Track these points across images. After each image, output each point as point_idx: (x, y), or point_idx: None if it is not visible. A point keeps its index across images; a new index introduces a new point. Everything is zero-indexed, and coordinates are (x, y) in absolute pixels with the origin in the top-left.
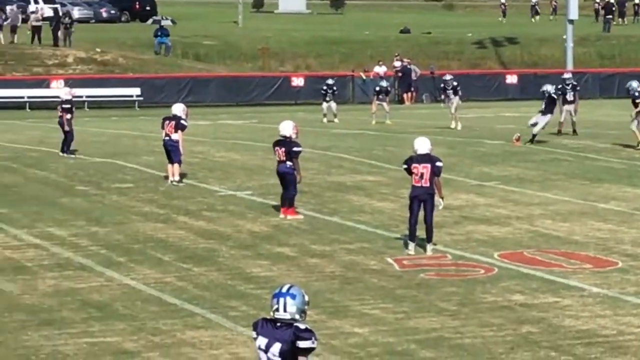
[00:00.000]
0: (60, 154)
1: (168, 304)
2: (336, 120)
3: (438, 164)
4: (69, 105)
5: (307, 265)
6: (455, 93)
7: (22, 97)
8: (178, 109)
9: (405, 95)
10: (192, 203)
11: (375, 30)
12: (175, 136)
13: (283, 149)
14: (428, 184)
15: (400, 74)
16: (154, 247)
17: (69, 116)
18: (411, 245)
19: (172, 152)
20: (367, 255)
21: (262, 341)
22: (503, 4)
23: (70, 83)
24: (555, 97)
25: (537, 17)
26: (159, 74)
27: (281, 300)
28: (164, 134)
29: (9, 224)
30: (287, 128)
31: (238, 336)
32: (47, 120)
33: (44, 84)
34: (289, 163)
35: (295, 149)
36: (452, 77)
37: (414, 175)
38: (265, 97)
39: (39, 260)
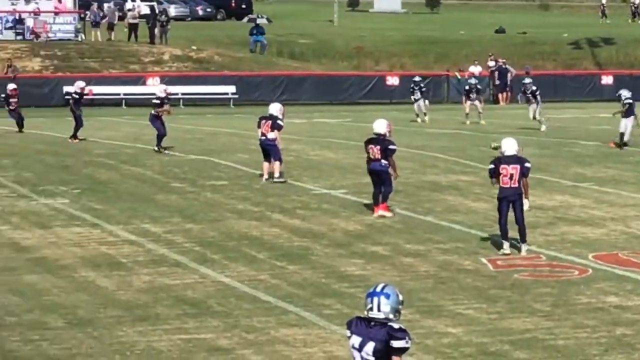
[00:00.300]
0: (155, 149)
1: (262, 302)
2: (426, 119)
3: (527, 164)
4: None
5: (401, 264)
6: (534, 97)
7: (119, 94)
8: (275, 108)
9: (500, 95)
10: (287, 201)
11: (471, 29)
12: (271, 135)
13: (378, 147)
14: (517, 185)
15: (496, 74)
16: (248, 244)
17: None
18: (505, 244)
19: (270, 150)
20: (461, 255)
21: (355, 340)
22: (603, 4)
23: (166, 80)
24: (630, 102)
25: (637, 19)
26: (254, 71)
27: (375, 299)
28: (260, 133)
29: (105, 220)
30: (381, 126)
31: (332, 334)
32: (143, 117)
33: (140, 81)
34: (383, 161)
35: (390, 147)
36: (531, 80)
37: (502, 176)
38: (359, 96)
39: (134, 256)
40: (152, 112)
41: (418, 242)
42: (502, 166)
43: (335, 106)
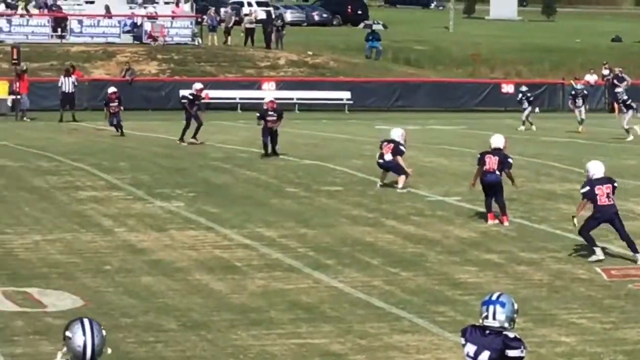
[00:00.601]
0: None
1: (375, 308)
2: (533, 128)
3: (615, 184)
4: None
5: (515, 272)
6: (626, 106)
7: (234, 98)
8: (397, 133)
9: (616, 105)
10: (401, 207)
11: (586, 38)
12: (388, 157)
13: (496, 158)
14: (612, 202)
15: (613, 82)
16: (362, 250)
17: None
18: (597, 250)
19: (391, 169)
20: (575, 264)
21: (470, 348)
22: None
23: (281, 85)
24: None
25: None
26: (369, 77)
27: (491, 307)
28: (378, 155)
29: (220, 224)
30: (499, 141)
31: (444, 341)
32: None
33: (255, 85)
34: (498, 172)
35: (509, 160)
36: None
37: (599, 196)
38: (474, 103)
39: (248, 260)
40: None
41: (532, 251)
42: (598, 187)
43: (449, 113)
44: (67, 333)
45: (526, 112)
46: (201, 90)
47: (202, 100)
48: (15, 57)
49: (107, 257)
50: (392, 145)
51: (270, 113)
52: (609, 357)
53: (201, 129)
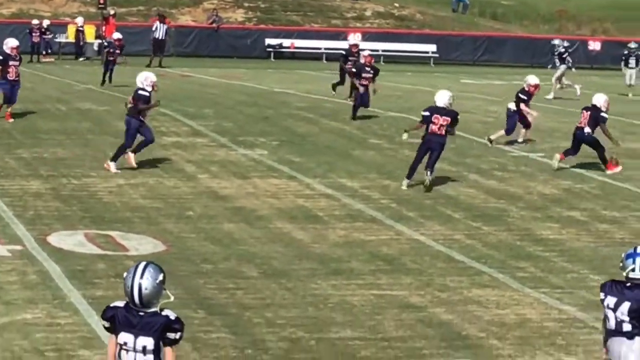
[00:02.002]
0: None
1: (456, 261)
2: (577, 88)
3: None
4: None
5: (597, 230)
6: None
7: (320, 48)
8: (600, 99)
9: None
10: (484, 162)
11: None
12: (587, 129)
13: (588, 113)
14: (443, 134)
15: None
16: (444, 203)
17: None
18: (405, 181)
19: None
20: None
21: (610, 300)
22: None
23: (367, 37)
24: None
25: None
26: (455, 31)
27: (637, 259)
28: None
29: (303, 173)
30: (600, 99)
31: (525, 297)
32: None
33: (341, 36)
34: (587, 129)
35: (603, 114)
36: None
37: (432, 124)
38: None
39: (331, 210)
40: None
41: (615, 209)
42: (435, 115)
43: (535, 69)
44: (124, 274)
45: (559, 72)
46: (356, 46)
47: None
48: (102, 1)
49: (189, 203)
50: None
51: (366, 69)
52: None
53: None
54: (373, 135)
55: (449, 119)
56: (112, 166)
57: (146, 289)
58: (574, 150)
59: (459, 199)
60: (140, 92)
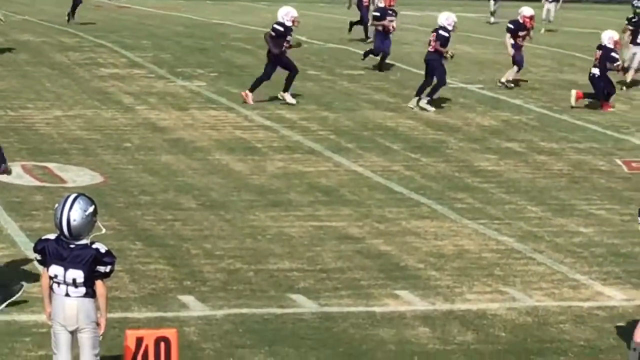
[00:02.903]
0: None
1: (394, 192)
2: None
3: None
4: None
5: (535, 161)
6: None
7: None
8: (605, 37)
9: None
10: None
11: None
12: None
13: (600, 52)
14: (433, 49)
15: None
16: (383, 135)
17: None
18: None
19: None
20: (595, 155)
21: None
22: None
23: None
24: None
25: None
26: None
27: None
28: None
29: (241, 105)
30: (605, 37)
31: (463, 228)
32: (281, 2)
33: None
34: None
35: (613, 54)
36: None
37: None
38: None
39: (269, 141)
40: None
41: (553, 141)
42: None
43: (474, 0)
44: (55, 206)
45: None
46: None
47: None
48: None
49: (127, 135)
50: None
51: (389, 12)
52: (627, 248)
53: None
54: (312, 67)
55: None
56: (250, 97)
57: (74, 220)
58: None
59: (397, 130)
60: (276, 26)
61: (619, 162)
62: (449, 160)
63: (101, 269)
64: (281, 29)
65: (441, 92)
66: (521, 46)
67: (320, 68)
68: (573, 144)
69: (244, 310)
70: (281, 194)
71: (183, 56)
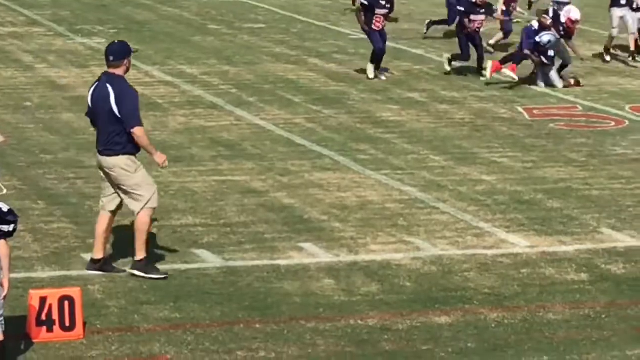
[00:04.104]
0: None
1: (297, 145)
2: None
3: None
4: None
5: (437, 111)
6: None
7: None
8: None
9: None
10: (324, 45)
11: None
12: None
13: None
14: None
15: None
16: (284, 88)
17: None
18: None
19: None
20: (497, 103)
21: None
22: None
23: None
24: None
25: None
26: None
27: None
28: None
29: (141, 61)
30: None
31: (366, 179)
32: None
33: None
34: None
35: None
36: None
37: None
38: None
39: (170, 97)
40: None
41: (454, 90)
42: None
43: None
44: None
45: None
46: None
47: None
48: None
49: (27, 94)
50: None
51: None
52: (529, 195)
53: None
54: (212, 21)
55: None
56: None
57: None
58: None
59: (299, 82)
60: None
61: (520, 109)
62: (351, 112)
63: (3, 228)
64: (366, 2)
65: (342, 44)
66: (511, 13)
67: (220, 22)
68: (474, 93)
69: None
70: (183, 150)
71: (82, 13)
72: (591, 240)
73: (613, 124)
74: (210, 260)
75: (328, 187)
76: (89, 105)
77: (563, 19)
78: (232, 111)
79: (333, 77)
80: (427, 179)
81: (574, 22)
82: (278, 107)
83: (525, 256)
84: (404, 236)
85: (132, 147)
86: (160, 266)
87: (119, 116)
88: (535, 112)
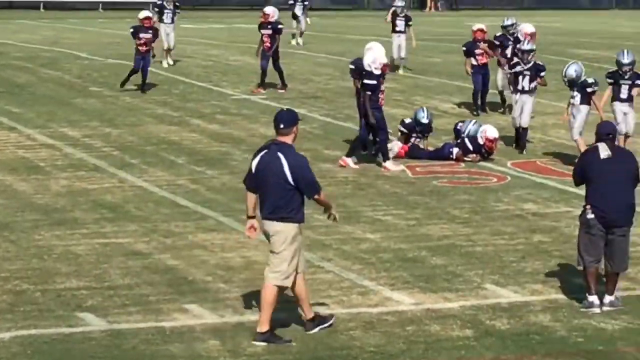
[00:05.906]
0: None
1: (180, 207)
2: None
3: None
4: None
5: (320, 170)
6: None
7: None
8: None
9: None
10: (206, 106)
11: None
12: None
13: None
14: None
15: None
16: (167, 149)
17: None
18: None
19: None
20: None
21: None
22: None
23: None
24: None
25: None
26: None
27: None
28: None
29: (23, 124)
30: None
31: (250, 240)
32: (61, 20)
33: None
34: None
35: None
36: None
37: None
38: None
39: (52, 160)
40: None
41: (337, 148)
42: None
43: (255, 12)
44: None
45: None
46: None
47: None
48: None
49: None
50: None
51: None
52: (413, 253)
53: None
54: (93, 83)
55: None
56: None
57: None
58: None
59: (182, 144)
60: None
61: (403, 167)
62: (234, 172)
63: None
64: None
65: (225, 105)
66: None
67: (101, 84)
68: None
69: (32, 332)
70: (66, 213)
71: None
72: (475, 296)
73: (495, 180)
74: (94, 323)
75: (212, 247)
76: (251, 171)
77: (481, 141)
78: (114, 173)
79: (215, 138)
80: (311, 238)
81: (492, 141)
82: (161, 169)
83: (410, 313)
84: (288, 296)
85: (302, 216)
86: (44, 330)
87: (293, 185)
88: (418, 169)
